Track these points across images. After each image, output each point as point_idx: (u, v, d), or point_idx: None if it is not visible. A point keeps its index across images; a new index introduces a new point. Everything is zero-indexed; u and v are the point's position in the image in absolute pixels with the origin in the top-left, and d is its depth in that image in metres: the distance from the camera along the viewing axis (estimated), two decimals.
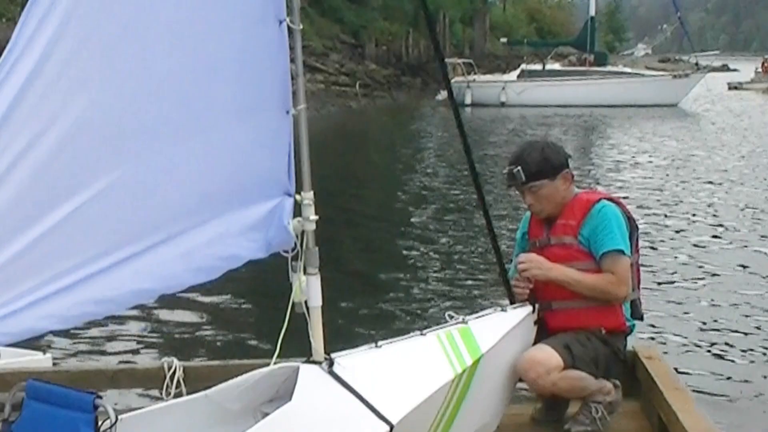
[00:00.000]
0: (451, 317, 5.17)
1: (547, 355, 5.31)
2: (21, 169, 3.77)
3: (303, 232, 4.42)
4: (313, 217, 4.44)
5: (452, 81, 52.64)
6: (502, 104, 51.92)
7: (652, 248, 14.95)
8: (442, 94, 53.20)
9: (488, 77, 56.56)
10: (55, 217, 3.85)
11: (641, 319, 5.75)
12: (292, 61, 4.36)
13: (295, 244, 4.40)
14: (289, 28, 4.25)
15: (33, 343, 8.91)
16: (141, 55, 3.97)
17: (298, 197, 4.41)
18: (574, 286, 5.42)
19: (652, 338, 10.07)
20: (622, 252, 5.39)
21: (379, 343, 4.79)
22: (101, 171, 3.93)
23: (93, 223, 3.93)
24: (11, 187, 3.77)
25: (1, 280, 3.79)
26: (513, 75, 56.04)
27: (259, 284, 11.71)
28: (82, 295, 3.94)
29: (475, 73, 54.62)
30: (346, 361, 4.54)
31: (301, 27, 4.34)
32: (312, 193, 4.45)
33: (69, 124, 3.83)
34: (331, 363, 4.48)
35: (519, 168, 5.48)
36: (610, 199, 5.60)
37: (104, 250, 3.97)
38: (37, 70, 3.74)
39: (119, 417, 4.05)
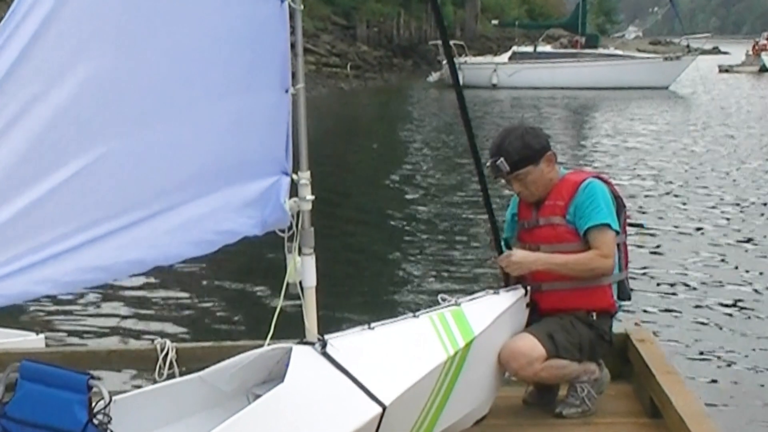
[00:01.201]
0: (444, 299, 5.18)
1: (530, 345, 5.32)
2: (20, 131, 3.73)
3: (299, 212, 4.42)
4: (310, 197, 4.44)
5: (443, 63, 52.57)
6: (494, 86, 51.84)
7: (641, 229, 14.97)
8: (434, 76, 53.26)
9: (479, 59, 56.46)
10: (54, 181, 3.81)
11: (629, 299, 5.75)
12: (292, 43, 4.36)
13: (291, 223, 4.40)
14: (290, 7, 4.24)
15: (25, 323, 8.95)
16: (144, 26, 3.95)
17: (294, 177, 4.42)
18: (562, 271, 5.43)
19: (643, 321, 10.07)
20: (607, 226, 5.38)
21: (372, 324, 4.80)
22: (101, 138, 3.90)
23: (91, 190, 3.90)
24: (9, 148, 3.72)
25: None
26: (504, 57, 55.96)
27: (253, 265, 11.70)
28: (78, 262, 3.91)
29: (466, 55, 54.47)
30: (340, 343, 4.54)
31: (302, 7, 4.34)
32: (309, 173, 4.45)
33: (70, 89, 3.79)
34: (324, 344, 4.48)
35: (501, 159, 5.47)
36: (599, 178, 5.60)
37: (101, 217, 3.94)
38: (38, 35, 3.70)
39: (113, 398, 4.05)
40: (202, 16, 4.11)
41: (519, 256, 5.46)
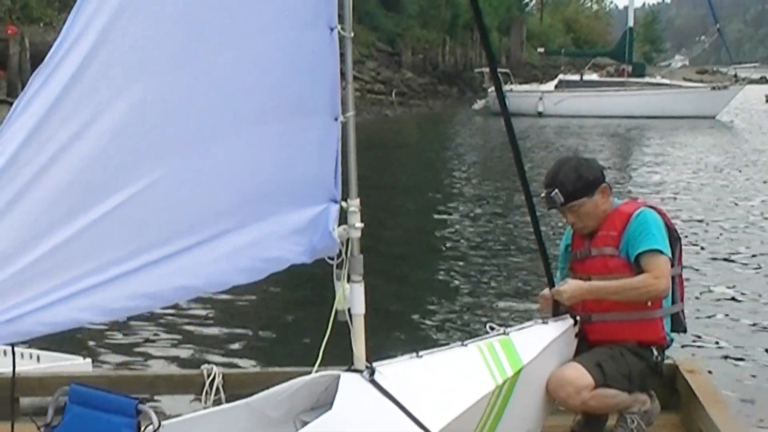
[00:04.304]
0: (493, 329, 5.16)
1: (578, 374, 5.28)
2: (69, 159, 3.73)
3: (348, 239, 4.41)
4: (359, 224, 4.43)
5: (488, 90, 52.58)
6: (540, 114, 51.82)
7: (693, 260, 14.84)
8: (479, 103, 53.29)
9: (525, 87, 56.44)
10: (102, 209, 3.81)
11: (685, 331, 5.71)
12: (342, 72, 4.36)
13: (340, 251, 4.39)
14: (339, 35, 4.24)
15: (73, 347, 8.99)
16: (192, 52, 3.96)
17: (344, 204, 4.41)
18: (616, 299, 5.37)
19: (693, 353, 9.97)
20: (659, 251, 5.33)
21: (421, 353, 4.78)
22: (150, 165, 3.91)
23: (140, 217, 3.91)
24: (59, 175, 3.72)
25: (44, 269, 3.74)
26: (550, 85, 55.92)
27: (302, 291, 11.71)
28: (125, 289, 3.90)
29: (511, 83, 54.46)
30: (388, 370, 4.53)
31: (353, 35, 4.34)
32: (358, 200, 4.45)
33: (119, 116, 3.80)
34: (372, 372, 4.46)
35: (556, 190, 5.46)
36: (652, 207, 5.57)
37: (149, 244, 3.94)
38: (85, 63, 3.70)
39: (161, 423, 4.04)
40: (252, 43, 4.11)
41: (571, 287, 5.42)
